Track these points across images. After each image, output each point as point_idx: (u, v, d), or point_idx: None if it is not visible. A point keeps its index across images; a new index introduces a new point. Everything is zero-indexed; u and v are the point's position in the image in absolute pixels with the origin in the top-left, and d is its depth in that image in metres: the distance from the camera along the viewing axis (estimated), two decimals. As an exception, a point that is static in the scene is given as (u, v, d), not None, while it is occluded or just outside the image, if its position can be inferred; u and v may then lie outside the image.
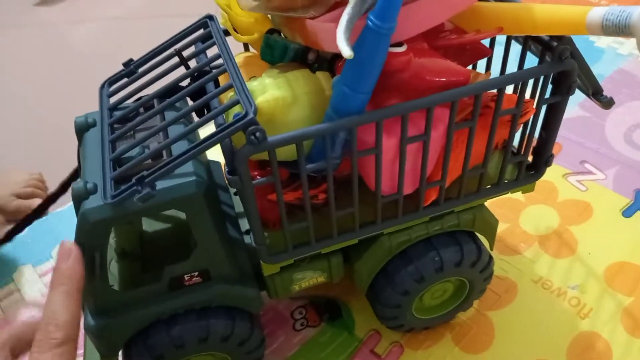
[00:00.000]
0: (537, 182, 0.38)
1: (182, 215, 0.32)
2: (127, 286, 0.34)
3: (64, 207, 0.56)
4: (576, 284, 0.44)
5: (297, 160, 0.28)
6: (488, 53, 0.34)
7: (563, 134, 0.57)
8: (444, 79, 0.29)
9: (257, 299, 0.36)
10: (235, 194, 0.40)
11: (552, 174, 0.52)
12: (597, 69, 0.59)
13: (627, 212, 0.49)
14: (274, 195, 0.30)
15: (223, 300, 0.34)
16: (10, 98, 0.78)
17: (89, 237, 0.29)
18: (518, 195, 0.50)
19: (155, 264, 0.34)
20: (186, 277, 0.33)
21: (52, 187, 0.44)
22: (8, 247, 0.52)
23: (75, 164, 0.36)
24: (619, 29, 0.25)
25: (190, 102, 0.34)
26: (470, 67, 0.35)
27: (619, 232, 0.47)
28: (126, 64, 0.36)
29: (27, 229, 0.50)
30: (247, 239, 0.36)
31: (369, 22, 0.25)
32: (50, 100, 0.78)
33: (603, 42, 0.72)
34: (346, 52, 0.24)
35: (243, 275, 0.35)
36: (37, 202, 0.63)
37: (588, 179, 0.52)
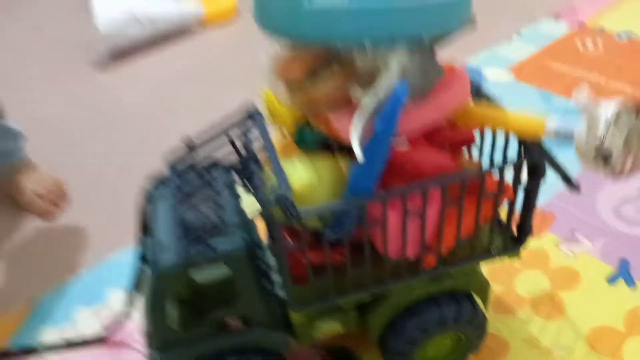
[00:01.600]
0: (531, 249, 0.45)
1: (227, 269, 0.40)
2: (181, 327, 0.42)
3: (114, 256, 0.65)
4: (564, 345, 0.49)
5: (321, 229, 0.36)
6: (473, 141, 0.42)
7: (558, 204, 0.63)
8: (434, 168, 0.37)
9: (286, 343, 0.43)
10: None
11: (545, 242, 0.59)
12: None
13: (612, 280, 0.55)
14: (303, 256, 0.38)
15: (258, 343, 0.41)
16: (70, 154, 0.89)
17: (159, 283, 0.37)
18: (514, 261, 0.57)
19: (204, 310, 0.41)
20: (229, 322, 0.40)
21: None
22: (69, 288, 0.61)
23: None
24: (566, 136, 0.33)
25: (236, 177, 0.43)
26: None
27: (603, 298, 0.53)
28: (187, 144, 0.45)
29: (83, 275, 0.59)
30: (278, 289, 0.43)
31: (378, 125, 0.33)
32: (107, 155, 0.88)
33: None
34: (359, 155, 0.32)
35: (275, 322, 0.42)
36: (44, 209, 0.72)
37: (578, 247, 0.58)
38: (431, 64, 0.35)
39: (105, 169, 0.83)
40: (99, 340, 0.56)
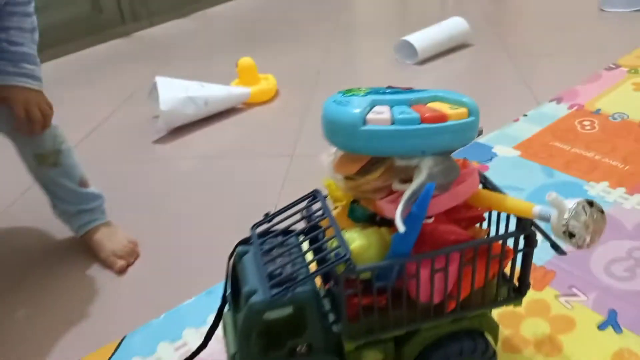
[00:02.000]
0: (535, 300, 0.58)
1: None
2: (263, 353, 0.55)
3: (191, 300, 0.79)
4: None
5: (370, 280, 0.50)
6: (483, 218, 0.57)
7: (557, 264, 0.76)
8: (453, 238, 0.51)
9: (340, 368, 0.56)
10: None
11: (546, 294, 0.71)
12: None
13: (602, 326, 0.67)
14: (357, 299, 0.52)
15: (319, 367, 0.55)
16: (140, 214, 1.04)
17: (252, 320, 0.51)
18: (519, 310, 0.69)
19: (279, 340, 0.55)
20: (298, 348, 0.54)
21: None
22: (153, 327, 0.75)
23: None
24: (545, 219, 0.47)
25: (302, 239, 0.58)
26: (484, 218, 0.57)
27: (595, 341, 0.65)
28: (266, 215, 0.60)
29: (163, 316, 0.73)
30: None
31: (413, 209, 0.48)
32: (171, 216, 1.04)
33: (594, 190, 0.93)
34: (401, 228, 0.47)
35: (332, 350, 0.55)
36: (117, 264, 0.86)
37: (574, 299, 0.71)
38: (451, 166, 0.50)
39: (170, 228, 0.98)
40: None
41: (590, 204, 0.45)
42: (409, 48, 1.60)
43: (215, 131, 1.33)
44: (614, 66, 1.42)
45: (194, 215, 1.01)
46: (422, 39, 1.60)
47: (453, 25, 1.67)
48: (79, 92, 1.67)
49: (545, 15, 1.93)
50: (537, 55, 1.58)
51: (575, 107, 1.22)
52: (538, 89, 1.35)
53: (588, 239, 0.45)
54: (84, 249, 0.92)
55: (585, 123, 1.16)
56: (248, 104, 1.44)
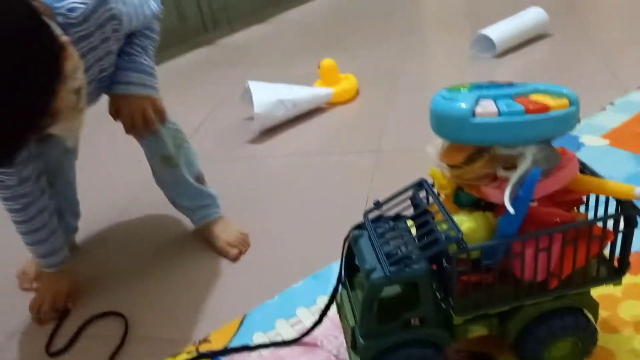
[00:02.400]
0: (632, 284, 0.61)
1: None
2: (380, 323, 0.62)
3: (300, 283, 0.88)
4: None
5: (479, 259, 0.56)
6: (582, 202, 0.61)
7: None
8: (557, 219, 0.56)
9: (448, 339, 0.62)
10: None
11: (643, 278, 0.74)
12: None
13: None
14: (467, 276, 0.58)
15: (429, 337, 0.61)
16: (248, 209, 1.15)
17: (373, 294, 0.58)
18: (617, 293, 0.72)
19: (393, 312, 0.62)
20: (412, 320, 0.61)
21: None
22: (269, 307, 0.84)
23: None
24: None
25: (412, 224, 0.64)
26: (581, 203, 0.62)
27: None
28: (376, 203, 0.67)
29: (277, 297, 0.83)
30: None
31: (520, 193, 0.53)
32: (273, 209, 1.13)
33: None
34: (511, 210, 0.52)
35: (441, 323, 0.62)
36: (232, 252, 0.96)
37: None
38: (552, 153, 0.55)
39: (273, 220, 1.08)
40: (295, 341, 0.78)
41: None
42: (486, 41, 1.61)
43: (304, 130, 1.42)
44: None
45: (293, 208, 1.10)
46: (500, 31, 1.61)
47: (531, 16, 1.66)
48: (173, 99, 1.81)
49: (625, 2, 1.87)
50: (621, 43, 1.54)
51: (666, 94, 1.20)
52: (624, 77, 1.33)
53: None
54: (199, 239, 1.04)
55: (677, 110, 1.14)
56: (331, 104, 1.52)
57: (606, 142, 1.08)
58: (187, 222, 1.07)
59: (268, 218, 1.08)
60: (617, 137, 1.08)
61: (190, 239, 1.06)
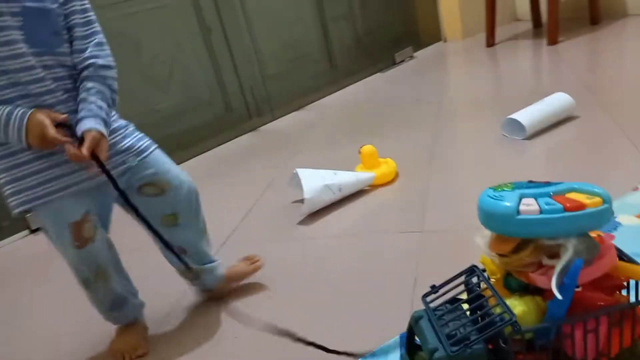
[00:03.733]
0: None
1: None
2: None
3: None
4: None
5: (533, 339, 0.63)
6: (623, 286, 0.68)
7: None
8: (601, 303, 0.63)
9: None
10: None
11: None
12: None
13: None
14: (521, 356, 0.64)
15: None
16: (294, 289, 1.23)
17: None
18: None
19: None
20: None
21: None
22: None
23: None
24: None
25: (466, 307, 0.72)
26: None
27: None
28: (432, 287, 0.75)
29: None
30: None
31: (565, 280, 0.61)
32: (322, 286, 1.21)
33: None
34: (558, 296, 0.60)
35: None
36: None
37: None
38: (592, 244, 0.63)
39: (322, 298, 1.15)
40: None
41: None
42: (516, 125, 1.73)
43: (349, 211, 1.53)
44: None
45: (341, 287, 1.18)
46: (529, 115, 1.72)
47: (557, 101, 1.78)
48: (224, 183, 1.97)
49: (647, 81, 1.98)
50: (645, 122, 1.63)
51: (695, 173, 1.27)
52: (653, 157, 1.41)
53: None
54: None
55: None
56: (373, 186, 1.63)
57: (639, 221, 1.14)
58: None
59: (317, 297, 1.16)
60: (651, 216, 1.15)
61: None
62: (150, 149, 1.05)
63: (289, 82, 2.74)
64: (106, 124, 0.93)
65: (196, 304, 1.23)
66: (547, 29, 2.80)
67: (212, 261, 1.17)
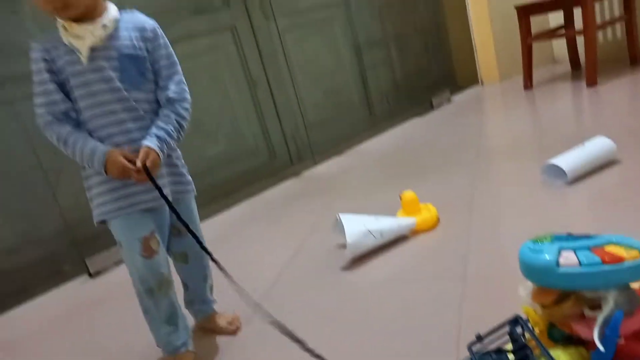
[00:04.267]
0: None
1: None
2: None
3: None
4: None
5: (578, 389, 0.65)
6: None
7: None
8: (645, 355, 0.65)
9: None
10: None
11: None
12: None
13: None
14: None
15: None
16: (339, 336, 1.26)
17: None
18: None
19: None
20: None
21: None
22: None
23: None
24: None
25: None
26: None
27: None
28: (477, 336, 0.78)
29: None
30: None
31: (607, 332, 0.63)
32: (370, 333, 1.24)
33: None
34: (601, 348, 0.62)
35: None
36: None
37: None
38: (633, 296, 0.66)
39: (365, 346, 1.18)
40: None
41: None
42: (556, 169, 1.74)
43: (391, 257, 1.56)
44: None
45: (384, 335, 1.20)
46: (569, 160, 1.74)
47: (599, 145, 1.79)
48: (269, 227, 2.05)
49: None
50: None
51: None
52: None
53: None
54: None
55: None
56: (415, 232, 1.67)
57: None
58: None
59: (361, 344, 1.19)
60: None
61: None
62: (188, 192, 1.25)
63: (330, 129, 2.84)
64: (160, 139, 1.10)
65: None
66: (586, 70, 2.82)
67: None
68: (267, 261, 1.69)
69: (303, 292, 1.46)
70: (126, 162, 1.06)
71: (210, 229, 2.19)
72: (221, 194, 2.42)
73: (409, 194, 1.73)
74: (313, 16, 2.78)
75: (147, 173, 1.06)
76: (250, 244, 1.93)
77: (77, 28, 1.04)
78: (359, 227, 1.58)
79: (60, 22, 1.06)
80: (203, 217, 2.28)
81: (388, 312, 1.30)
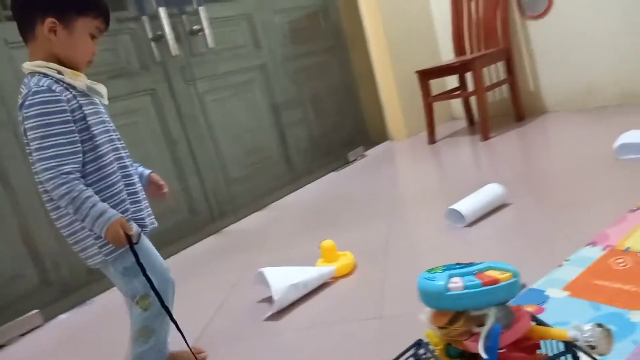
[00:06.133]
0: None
1: None
2: None
3: None
4: None
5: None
6: (539, 346, 0.82)
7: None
8: (522, 361, 0.76)
9: None
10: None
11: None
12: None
13: None
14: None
15: None
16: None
17: None
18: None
19: None
20: None
21: None
22: None
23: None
24: (576, 340, 0.72)
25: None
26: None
27: None
28: (387, 363, 0.87)
29: None
30: None
31: (489, 343, 0.74)
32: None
33: (636, 317, 1.13)
34: (484, 356, 0.73)
35: None
36: None
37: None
38: (509, 311, 0.78)
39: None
40: None
41: (600, 325, 0.71)
42: (457, 214, 1.93)
43: (313, 304, 1.63)
44: (635, 208, 1.69)
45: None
46: (467, 205, 1.94)
47: (492, 190, 2.01)
48: (192, 285, 2.04)
49: (569, 170, 2.26)
50: (569, 205, 1.87)
51: (608, 248, 1.47)
52: (574, 235, 1.61)
53: (604, 348, 0.70)
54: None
55: (619, 261, 1.39)
56: (334, 279, 1.76)
57: (567, 293, 1.31)
58: None
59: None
60: (575, 288, 1.31)
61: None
62: None
63: (251, 185, 2.92)
64: None
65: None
66: (480, 126, 3.16)
67: None
68: (189, 319, 1.69)
69: (229, 344, 1.47)
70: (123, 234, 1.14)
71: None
72: (141, 254, 2.37)
73: (327, 243, 1.83)
74: (233, 79, 2.91)
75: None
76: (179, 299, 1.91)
77: (82, 76, 1.16)
78: (283, 282, 1.63)
79: (62, 70, 1.12)
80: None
81: (314, 356, 1.35)
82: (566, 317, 1.19)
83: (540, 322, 0.82)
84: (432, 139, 3.40)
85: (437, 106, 3.48)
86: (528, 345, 0.80)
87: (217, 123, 2.79)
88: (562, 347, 0.78)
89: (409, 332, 1.33)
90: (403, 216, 2.26)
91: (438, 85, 3.54)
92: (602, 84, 3.15)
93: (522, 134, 3.09)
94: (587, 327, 0.71)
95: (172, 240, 2.51)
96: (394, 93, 3.68)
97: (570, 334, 0.74)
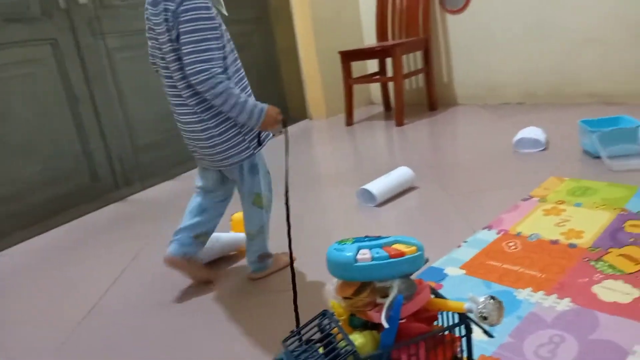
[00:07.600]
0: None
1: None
2: None
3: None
4: None
5: (371, 365, 0.77)
6: (436, 317, 0.86)
7: (501, 352, 1.03)
8: (420, 331, 0.79)
9: None
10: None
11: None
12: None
13: (535, 392, 0.93)
14: (362, 381, 0.77)
15: None
16: None
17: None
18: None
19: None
20: None
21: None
22: None
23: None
24: (470, 311, 0.77)
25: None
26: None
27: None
28: (291, 332, 0.87)
29: None
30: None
31: (391, 313, 0.77)
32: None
33: (521, 295, 1.23)
34: (386, 326, 0.75)
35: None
36: None
37: (514, 376, 0.97)
38: (411, 284, 0.81)
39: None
40: None
41: (493, 297, 0.76)
42: (369, 194, 1.98)
43: (226, 277, 1.60)
44: (528, 197, 1.83)
45: (234, 337, 1.23)
46: (378, 186, 1.99)
47: (402, 173, 2.08)
48: (90, 253, 1.92)
49: (472, 160, 2.40)
50: (470, 192, 1.98)
51: (502, 232, 1.58)
52: (473, 219, 1.72)
53: (495, 319, 0.75)
54: None
55: (511, 244, 1.51)
56: (244, 250, 1.73)
57: (463, 272, 1.39)
58: None
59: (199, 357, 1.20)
60: (471, 268, 1.40)
61: None
62: None
63: (162, 153, 2.78)
64: None
65: None
66: (395, 112, 3.25)
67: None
68: (86, 290, 1.59)
69: (125, 318, 1.41)
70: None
71: (23, 255, 1.97)
72: (37, 217, 2.19)
73: (238, 216, 1.79)
74: (146, 38, 2.73)
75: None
76: (67, 273, 1.78)
77: None
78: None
79: None
80: (16, 241, 2.05)
81: (232, 321, 1.33)
82: (462, 293, 1.27)
83: (439, 295, 0.86)
84: (349, 121, 3.45)
85: (357, 89, 3.52)
86: (427, 316, 0.84)
87: (128, 84, 2.62)
88: (457, 320, 0.83)
89: (318, 303, 1.35)
90: (317, 193, 2.28)
91: (359, 68, 3.58)
92: (507, 82, 3.37)
93: (433, 123, 3.23)
94: (481, 299, 0.75)
95: (70, 205, 2.34)
96: (316, 72, 3.67)
97: (466, 306, 0.78)
